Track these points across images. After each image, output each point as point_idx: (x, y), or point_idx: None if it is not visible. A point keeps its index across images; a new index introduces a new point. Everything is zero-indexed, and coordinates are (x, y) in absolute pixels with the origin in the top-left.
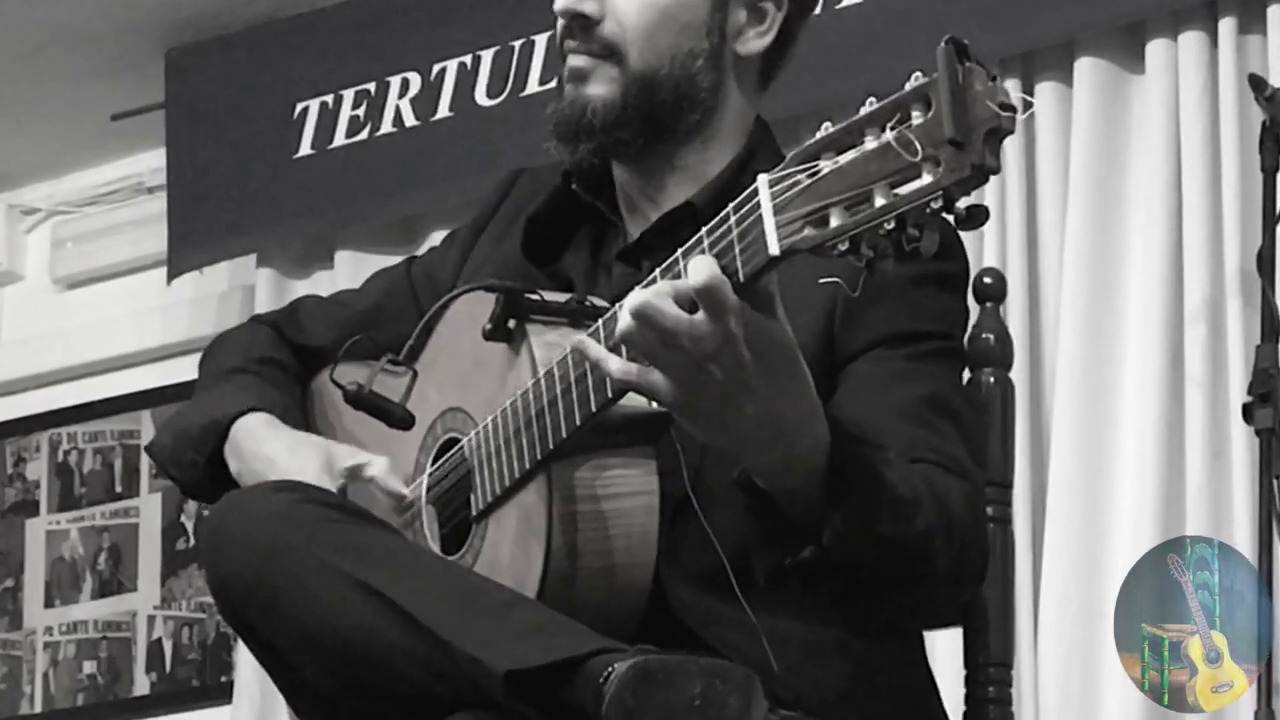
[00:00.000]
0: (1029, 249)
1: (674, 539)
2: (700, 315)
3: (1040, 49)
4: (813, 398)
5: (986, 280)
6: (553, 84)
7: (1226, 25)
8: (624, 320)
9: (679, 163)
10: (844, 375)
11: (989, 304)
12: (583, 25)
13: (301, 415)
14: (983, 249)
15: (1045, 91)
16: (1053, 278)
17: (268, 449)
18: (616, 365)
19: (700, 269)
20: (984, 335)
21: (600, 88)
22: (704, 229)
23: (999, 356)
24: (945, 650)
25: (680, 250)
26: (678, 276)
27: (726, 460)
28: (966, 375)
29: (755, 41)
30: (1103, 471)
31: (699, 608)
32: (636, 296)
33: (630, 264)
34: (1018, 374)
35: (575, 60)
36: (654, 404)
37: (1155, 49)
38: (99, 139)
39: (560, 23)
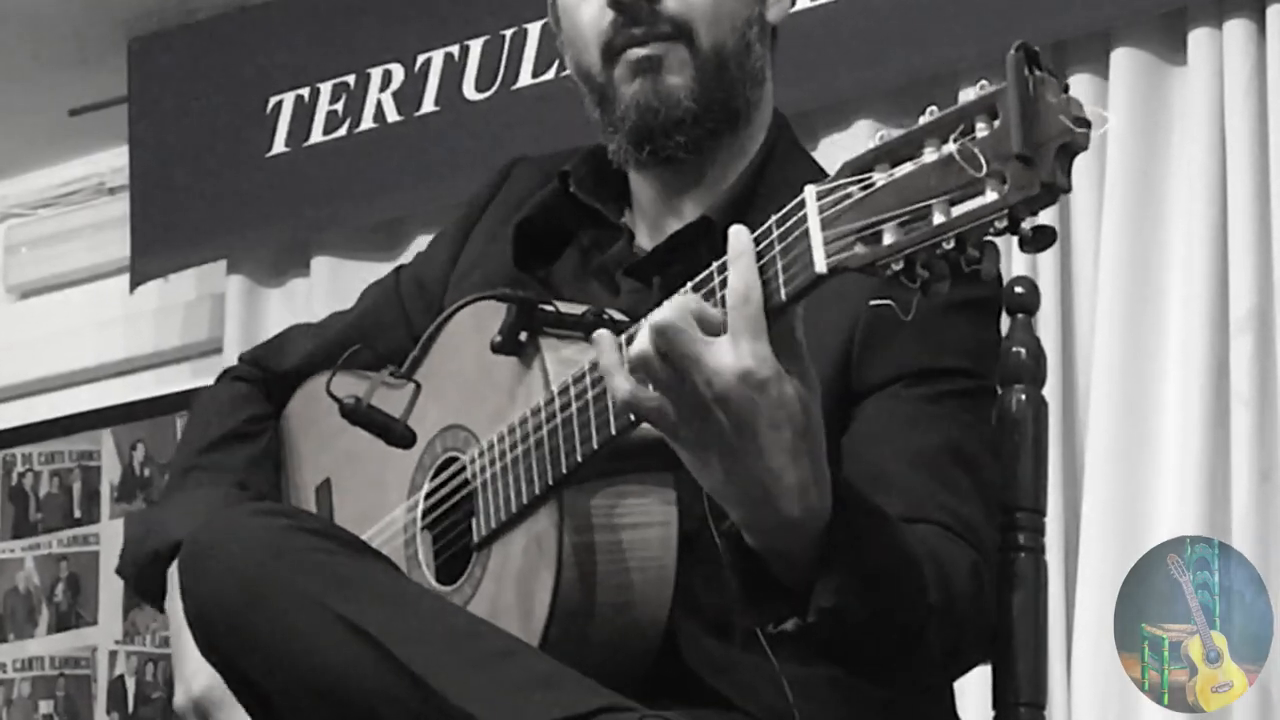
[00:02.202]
0: (1062, 256)
1: (685, 576)
2: (722, 344)
3: (1074, 39)
4: (820, 462)
5: (1018, 290)
6: (547, 76)
7: (1275, 12)
8: (641, 339)
9: (713, 159)
10: (858, 410)
11: (1020, 316)
12: (647, 2)
13: (270, 466)
14: (1012, 256)
15: (1080, 84)
16: (1088, 287)
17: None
18: (623, 384)
19: (737, 286)
20: (1015, 349)
21: (678, 75)
22: None
23: (1031, 372)
24: (974, 690)
25: (715, 264)
26: (713, 293)
27: None
28: (997, 391)
29: (777, 7)
30: (1141, 495)
31: (712, 652)
32: (661, 313)
33: (640, 279)
34: (1051, 390)
35: (642, 50)
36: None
37: (1198, 38)
38: (56, 135)
39: (609, 16)
